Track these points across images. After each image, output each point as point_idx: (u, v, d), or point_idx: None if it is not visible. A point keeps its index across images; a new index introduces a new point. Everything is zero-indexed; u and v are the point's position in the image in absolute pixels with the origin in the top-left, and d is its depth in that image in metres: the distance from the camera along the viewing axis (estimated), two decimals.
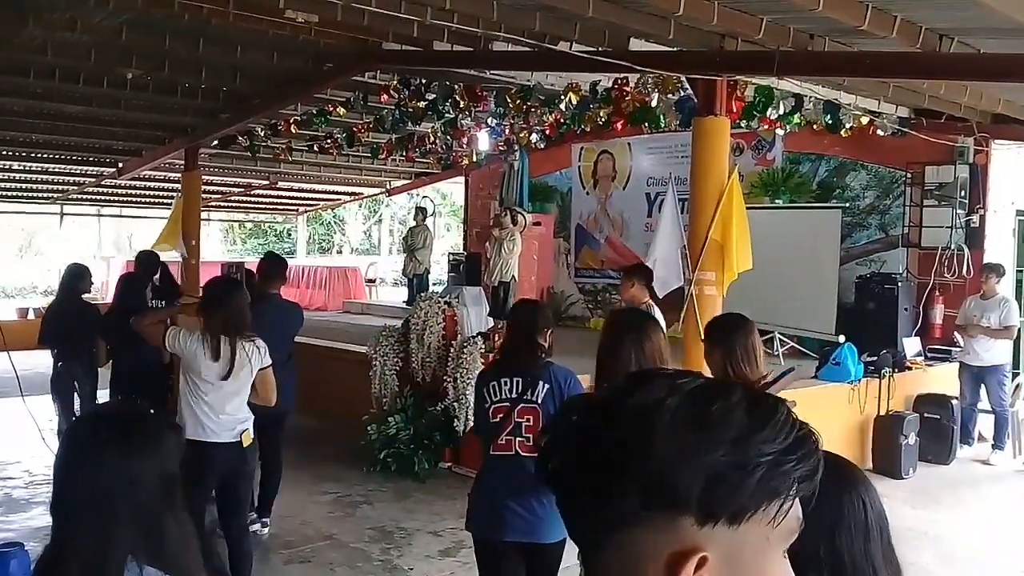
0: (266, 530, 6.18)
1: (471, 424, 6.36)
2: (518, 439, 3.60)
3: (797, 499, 0.81)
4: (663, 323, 5.31)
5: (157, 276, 8.00)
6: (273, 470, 6.30)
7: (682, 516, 0.77)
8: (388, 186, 19.36)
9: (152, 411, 1.88)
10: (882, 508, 1.50)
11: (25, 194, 18.32)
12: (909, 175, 10.08)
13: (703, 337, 3.78)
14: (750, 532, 0.78)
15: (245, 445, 4.59)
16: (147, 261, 8.06)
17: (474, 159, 13.69)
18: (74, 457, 1.73)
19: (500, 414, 3.67)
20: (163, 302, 7.69)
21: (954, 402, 8.64)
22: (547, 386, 3.65)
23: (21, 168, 15.59)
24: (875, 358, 8.48)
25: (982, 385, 8.76)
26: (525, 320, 3.85)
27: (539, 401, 3.62)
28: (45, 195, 18.62)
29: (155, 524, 1.66)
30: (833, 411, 7.76)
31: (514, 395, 3.67)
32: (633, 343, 3.23)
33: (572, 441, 0.83)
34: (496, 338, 7.58)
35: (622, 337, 3.30)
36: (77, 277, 7.46)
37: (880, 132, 9.21)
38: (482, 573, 3.79)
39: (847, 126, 8.76)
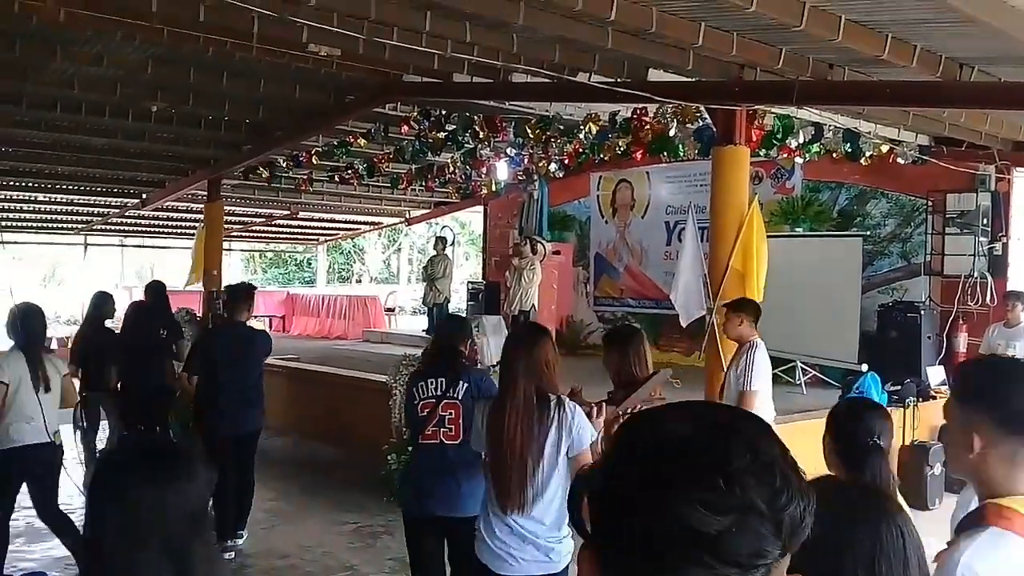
0: (240, 542, 6.47)
1: None
2: (442, 430, 4.19)
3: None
4: (767, 360, 5.36)
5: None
6: (245, 488, 6.58)
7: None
8: (407, 215, 19.48)
9: (181, 443, 1.90)
10: (918, 537, 1.49)
11: (50, 225, 18.60)
12: (930, 203, 10.03)
13: (604, 343, 4.31)
14: None
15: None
16: (156, 291, 8.35)
17: (493, 188, 13.77)
18: (106, 489, 1.74)
19: (427, 409, 4.25)
20: (166, 332, 7.91)
21: None
22: (466, 385, 4.24)
23: (47, 200, 15.84)
24: (899, 387, 8.40)
25: None
26: (448, 333, 4.61)
27: (459, 398, 4.20)
28: (70, 226, 18.88)
29: (185, 554, 1.67)
30: None
31: (439, 393, 4.26)
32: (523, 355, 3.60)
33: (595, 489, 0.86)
34: None
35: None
36: (101, 304, 7.68)
37: (900, 160, 9.19)
38: (410, 548, 4.31)
39: (867, 154, 8.75)
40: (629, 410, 3.66)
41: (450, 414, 4.20)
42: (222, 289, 9.10)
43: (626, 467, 0.81)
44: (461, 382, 4.25)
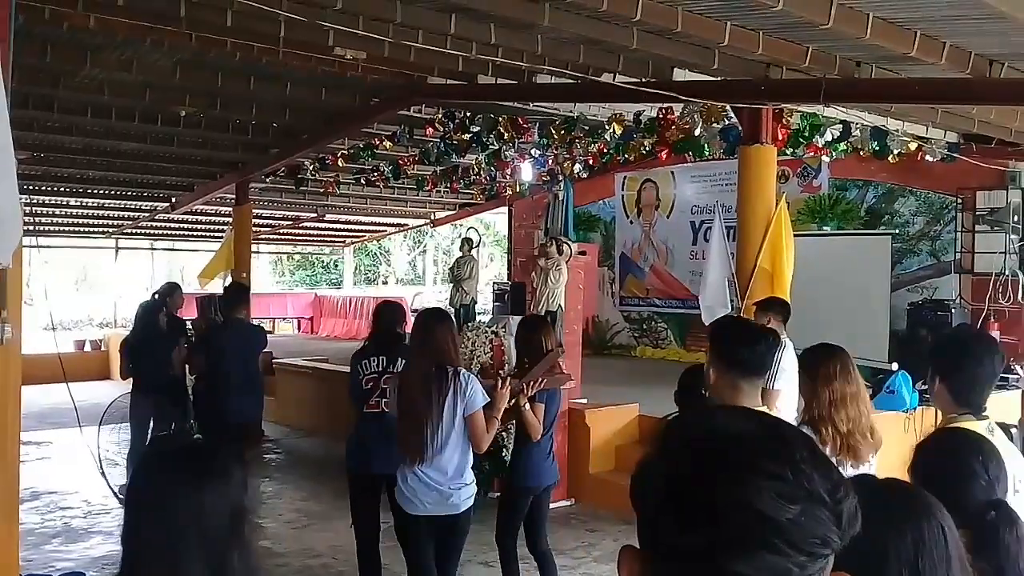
0: None
1: None
2: (383, 401, 4.72)
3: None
4: (794, 361, 5.13)
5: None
6: None
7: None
8: (433, 217, 19.54)
9: (221, 445, 1.92)
10: (958, 535, 1.49)
11: (82, 229, 18.84)
12: (960, 200, 9.92)
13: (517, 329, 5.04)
14: None
15: None
16: (161, 290, 8.59)
17: (518, 190, 13.77)
18: (145, 490, 1.77)
19: (371, 383, 4.89)
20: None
21: (1014, 430, 8.39)
22: (403, 362, 4.67)
23: (78, 204, 16.05)
24: None
25: None
26: (387, 316, 5.20)
27: (398, 373, 4.66)
28: (101, 229, 19.12)
29: (223, 558, 1.68)
30: (888, 440, 7.54)
31: (380, 369, 4.90)
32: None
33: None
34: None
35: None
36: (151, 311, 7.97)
37: (929, 157, 9.09)
38: (353, 501, 5.04)
39: (895, 152, 8.66)
40: (530, 383, 4.60)
41: (390, 387, 4.67)
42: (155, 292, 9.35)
43: (692, 461, 0.83)
44: (399, 359, 4.81)
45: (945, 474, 2.01)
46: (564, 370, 5.15)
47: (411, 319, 18.43)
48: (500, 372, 5.12)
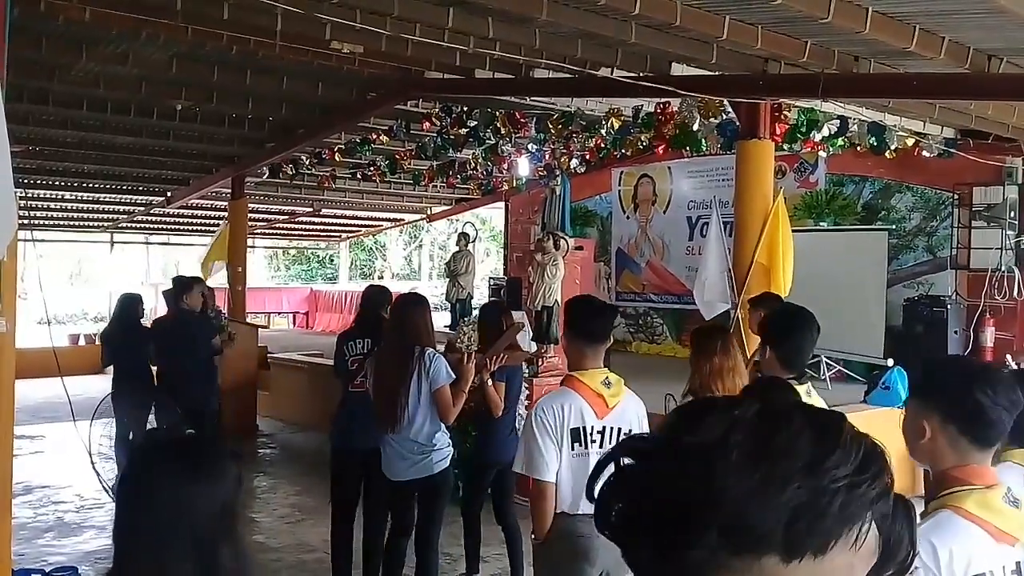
0: None
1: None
2: (368, 381, 4.85)
3: (873, 520, 0.77)
4: None
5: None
6: None
7: (766, 556, 0.73)
8: (429, 212, 19.51)
9: (212, 439, 1.90)
10: None
11: (77, 223, 18.78)
12: (956, 196, 9.91)
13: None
14: (835, 560, 0.75)
15: None
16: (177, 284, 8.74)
17: (514, 185, 13.75)
18: (135, 484, 1.75)
19: (356, 364, 5.16)
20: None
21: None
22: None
23: (73, 198, 16.00)
24: None
25: None
26: (374, 300, 5.45)
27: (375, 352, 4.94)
28: (96, 224, 19.05)
29: (212, 554, 1.67)
30: (883, 437, 7.47)
31: (366, 350, 5.13)
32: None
33: (632, 490, 0.79)
34: (541, 362, 7.57)
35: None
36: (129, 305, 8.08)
37: (926, 153, 9.08)
38: (335, 471, 5.33)
39: (892, 148, 8.65)
40: (493, 356, 5.01)
41: (367, 366, 4.95)
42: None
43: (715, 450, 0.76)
44: (383, 342, 5.02)
45: None
46: (518, 344, 5.74)
47: None
48: (463, 347, 5.51)
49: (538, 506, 3.41)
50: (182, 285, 7.87)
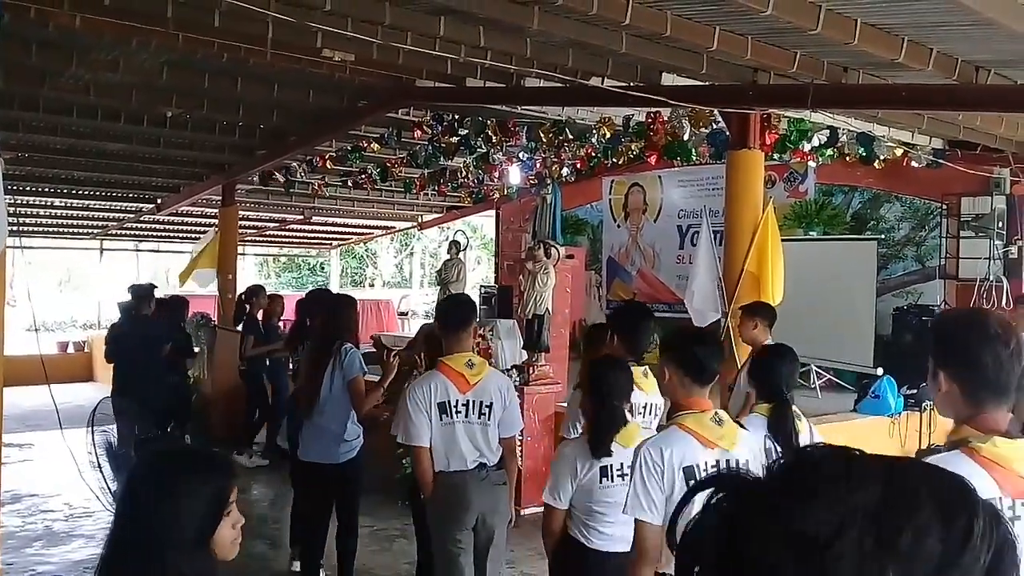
0: None
1: None
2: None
3: None
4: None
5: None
6: None
7: None
8: (420, 220, 19.51)
9: (206, 450, 1.91)
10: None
11: (66, 230, 18.70)
12: (945, 206, 9.98)
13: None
14: None
15: None
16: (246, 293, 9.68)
17: (505, 193, 13.77)
18: (127, 494, 1.76)
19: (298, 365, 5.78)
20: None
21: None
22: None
23: (63, 204, 15.93)
24: (915, 391, 8.35)
25: None
26: (306, 308, 6.06)
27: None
28: (85, 230, 18.98)
29: (205, 560, 1.67)
30: (873, 445, 7.47)
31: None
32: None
33: (725, 572, 0.73)
34: (531, 370, 7.56)
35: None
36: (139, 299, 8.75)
37: (914, 163, 9.14)
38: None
39: (881, 158, 8.71)
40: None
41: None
42: (241, 293, 9.98)
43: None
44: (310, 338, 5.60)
45: None
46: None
47: (397, 322, 18.52)
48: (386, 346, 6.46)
49: (418, 468, 4.18)
50: (140, 293, 8.70)
